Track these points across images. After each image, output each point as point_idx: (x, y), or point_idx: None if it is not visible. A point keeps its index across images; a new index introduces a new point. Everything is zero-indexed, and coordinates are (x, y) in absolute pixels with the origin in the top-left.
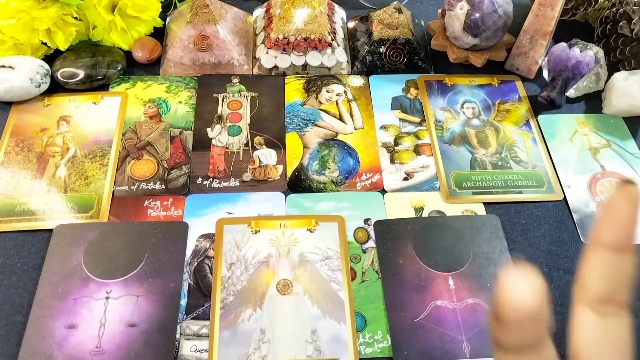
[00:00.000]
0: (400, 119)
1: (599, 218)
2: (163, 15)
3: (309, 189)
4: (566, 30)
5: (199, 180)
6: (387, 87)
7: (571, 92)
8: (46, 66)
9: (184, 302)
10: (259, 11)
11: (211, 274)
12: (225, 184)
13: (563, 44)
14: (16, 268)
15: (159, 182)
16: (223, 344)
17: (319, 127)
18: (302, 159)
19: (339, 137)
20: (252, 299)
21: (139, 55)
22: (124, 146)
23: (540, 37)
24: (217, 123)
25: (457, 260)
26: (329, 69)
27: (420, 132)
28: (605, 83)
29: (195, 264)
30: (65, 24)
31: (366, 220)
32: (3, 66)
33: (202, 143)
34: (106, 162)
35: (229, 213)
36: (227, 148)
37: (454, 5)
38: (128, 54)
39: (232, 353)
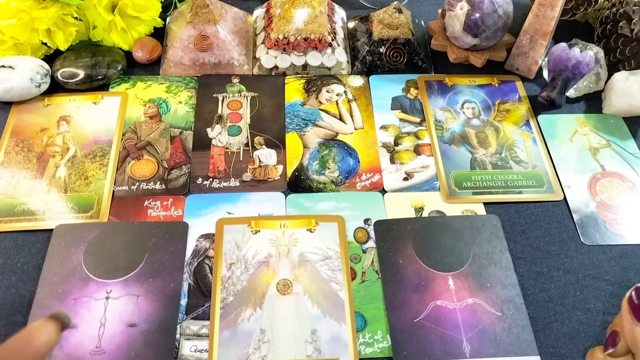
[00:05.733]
0: (400, 119)
1: None
2: (163, 15)
3: (309, 189)
4: (566, 30)
5: (199, 180)
6: (387, 87)
7: (571, 92)
8: (46, 66)
9: (184, 302)
10: (259, 11)
11: (211, 274)
12: (225, 184)
13: (563, 44)
14: (16, 268)
15: (159, 182)
16: (223, 344)
17: (319, 127)
18: (302, 159)
19: (339, 137)
20: (252, 299)
21: (139, 55)
22: (124, 146)
23: (540, 37)
24: (217, 123)
25: (457, 260)
26: (329, 69)
27: (420, 132)
28: (605, 83)
29: (195, 264)
30: (65, 24)
31: (366, 220)
32: (3, 66)
33: (202, 143)
34: (106, 162)
35: (229, 213)
36: (227, 148)
37: (454, 5)
38: (128, 54)
39: (232, 353)
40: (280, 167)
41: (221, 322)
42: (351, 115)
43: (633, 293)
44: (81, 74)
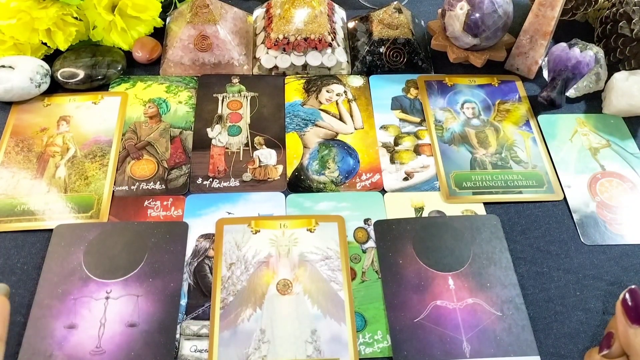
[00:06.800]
0: (400, 119)
1: None
2: (163, 15)
3: (309, 189)
4: (566, 30)
5: (199, 180)
6: (387, 87)
7: (571, 92)
8: (46, 66)
9: (184, 302)
10: (259, 11)
11: (211, 274)
12: (225, 184)
13: (563, 44)
14: (16, 268)
15: (159, 182)
16: (223, 344)
17: (319, 127)
18: (302, 159)
19: (339, 137)
20: (252, 299)
21: (139, 55)
22: (124, 146)
23: (540, 37)
24: (217, 123)
25: (457, 260)
26: (329, 69)
27: (420, 132)
28: (605, 83)
29: (195, 264)
30: (65, 24)
31: (366, 220)
32: (3, 66)
33: (202, 143)
34: (106, 162)
35: (229, 213)
36: (227, 148)
37: (454, 5)
38: (128, 54)
39: (232, 353)
40: (280, 167)
41: (221, 322)
42: (351, 115)
43: (627, 295)
44: (81, 74)
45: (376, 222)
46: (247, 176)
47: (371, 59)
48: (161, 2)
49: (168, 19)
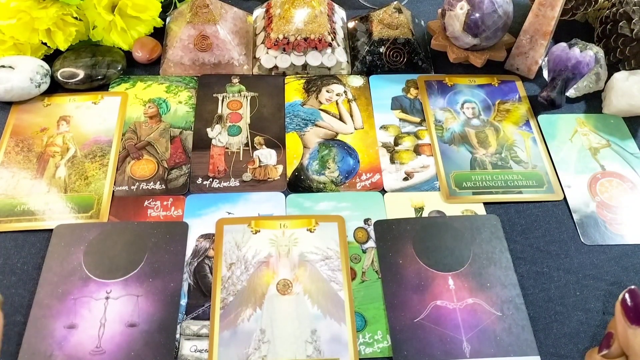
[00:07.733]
0: (400, 119)
1: None
2: (163, 15)
3: (309, 189)
4: (566, 30)
5: (199, 180)
6: (387, 87)
7: (571, 92)
8: (46, 66)
9: (184, 302)
10: (259, 11)
11: (211, 274)
12: (225, 184)
13: (563, 44)
14: (16, 268)
15: (159, 182)
16: (223, 344)
17: (319, 127)
18: (302, 159)
19: (339, 137)
20: (252, 299)
21: (139, 55)
22: (124, 146)
23: (540, 37)
24: (217, 123)
25: (457, 260)
26: (329, 69)
27: (420, 132)
28: (605, 83)
29: (195, 264)
30: (65, 24)
31: (366, 220)
32: (3, 66)
33: (202, 143)
34: (106, 162)
35: (229, 213)
36: (227, 148)
37: (454, 5)
38: (128, 54)
39: (232, 353)
40: (280, 167)
41: (221, 322)
42: (351, 115)
43: (626, 295)
44: (81, 74)
45: (376, 222)
46: (247, 176)
47: (371, 59)
48: (161, 2)
49: (168, 19)
